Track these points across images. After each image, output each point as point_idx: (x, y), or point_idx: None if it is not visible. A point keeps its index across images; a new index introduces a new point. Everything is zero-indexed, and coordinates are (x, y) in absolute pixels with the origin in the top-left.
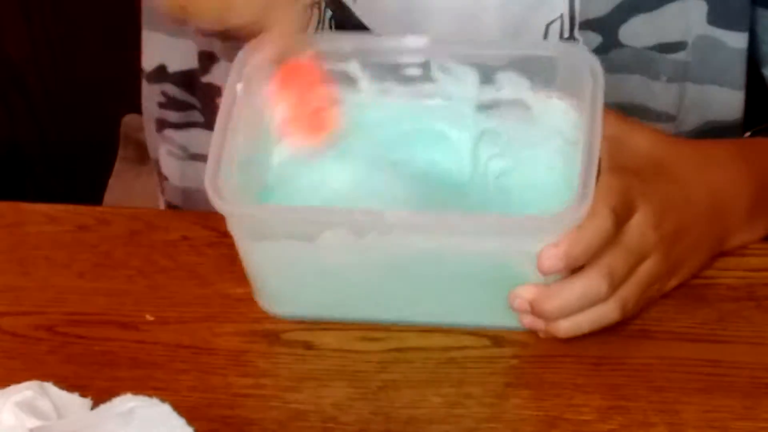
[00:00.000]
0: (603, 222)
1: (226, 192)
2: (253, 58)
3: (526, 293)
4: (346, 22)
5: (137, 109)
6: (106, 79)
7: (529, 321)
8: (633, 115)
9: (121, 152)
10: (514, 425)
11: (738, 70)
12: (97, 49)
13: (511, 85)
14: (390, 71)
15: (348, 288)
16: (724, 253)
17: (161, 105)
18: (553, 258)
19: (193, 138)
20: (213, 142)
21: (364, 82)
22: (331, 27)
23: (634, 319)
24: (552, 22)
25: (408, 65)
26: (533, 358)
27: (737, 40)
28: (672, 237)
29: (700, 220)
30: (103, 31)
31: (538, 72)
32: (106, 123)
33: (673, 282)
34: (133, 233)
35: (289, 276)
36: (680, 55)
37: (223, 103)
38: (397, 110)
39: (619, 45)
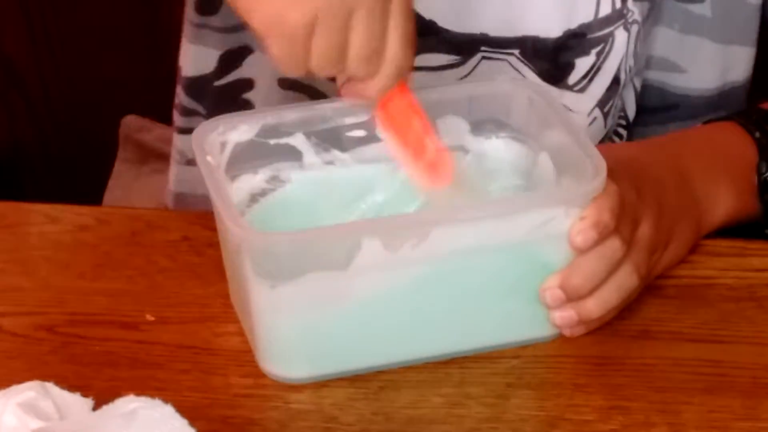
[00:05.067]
0: (612, 186)
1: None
2: (207, 136)
3: (551, 281)
4: None
5: (137, 109)
6: (106, 79)
7: (560, 316)
8: (652, 68)
9: (120, 153)
10: (514, 425)
11: (755, 26)
12: (97, 49)
13: (451, 131)
14: (334, 136)
15: (379, 325)
16: (724, 253)
17: (174, 106)
18: (587, 230)
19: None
20: (213, 198)
21: (310, 155)
22: None
23: (635, 319)
24: None
25: (352, 126)
26: (534, 358)
27: None
28: (653, 201)
29: (670, 188)
30: (103, 31)
31: (477, 112)
32: (106, 123)
33: (669, 254)
34: (134, 233)
35: (315, 321)
36: (696, 7)
37: (205, 172)
38: (343, 179)
39: (657, 8)
